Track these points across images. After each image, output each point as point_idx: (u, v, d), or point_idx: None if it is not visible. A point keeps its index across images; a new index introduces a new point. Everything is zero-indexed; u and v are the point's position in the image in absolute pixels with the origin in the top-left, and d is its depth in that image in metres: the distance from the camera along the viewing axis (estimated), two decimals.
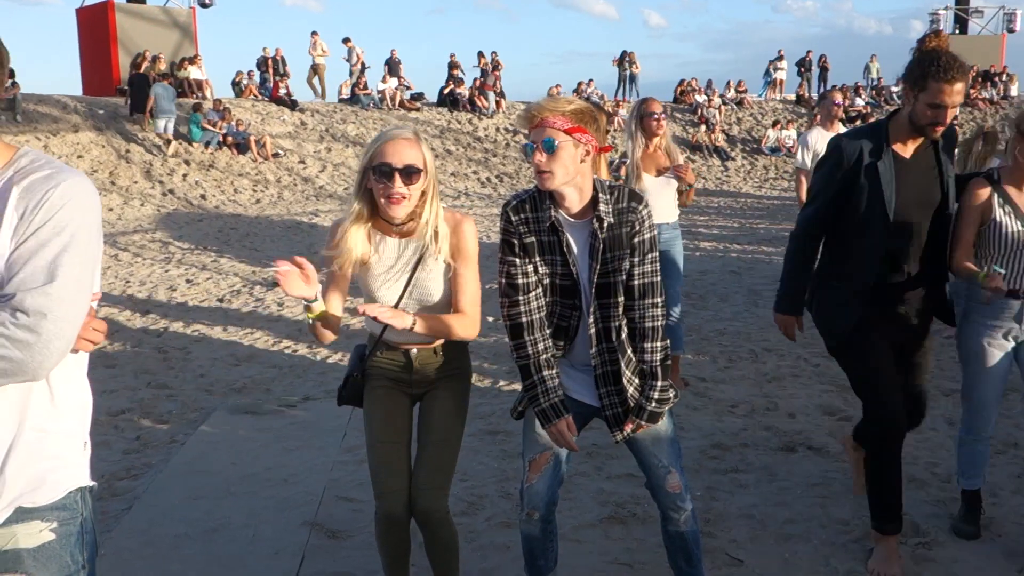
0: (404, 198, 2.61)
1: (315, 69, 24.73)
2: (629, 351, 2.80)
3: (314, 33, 24.87)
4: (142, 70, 19.98)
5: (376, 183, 2.59)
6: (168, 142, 18.94)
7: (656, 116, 5.42)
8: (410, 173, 2.59)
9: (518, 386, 5.78)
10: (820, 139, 7.51)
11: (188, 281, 10.17)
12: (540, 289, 2.77)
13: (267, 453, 4.79)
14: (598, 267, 2.70)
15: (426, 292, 2.77)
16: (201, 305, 8.85)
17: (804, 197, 7.48)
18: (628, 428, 2.76)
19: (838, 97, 7.74)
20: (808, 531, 3.79)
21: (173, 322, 8.04)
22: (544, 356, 2.77)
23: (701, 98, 27.63)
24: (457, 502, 3.95)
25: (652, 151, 5.49)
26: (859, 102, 28.22)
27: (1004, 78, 30.50)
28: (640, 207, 2.70)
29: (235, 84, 24.06)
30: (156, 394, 5.91)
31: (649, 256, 2.73)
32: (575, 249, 2.72)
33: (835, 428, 5.05)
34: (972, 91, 29.15)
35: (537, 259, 2.74)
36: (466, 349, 2.99)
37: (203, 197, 17.80)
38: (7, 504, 1.67)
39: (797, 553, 3.61)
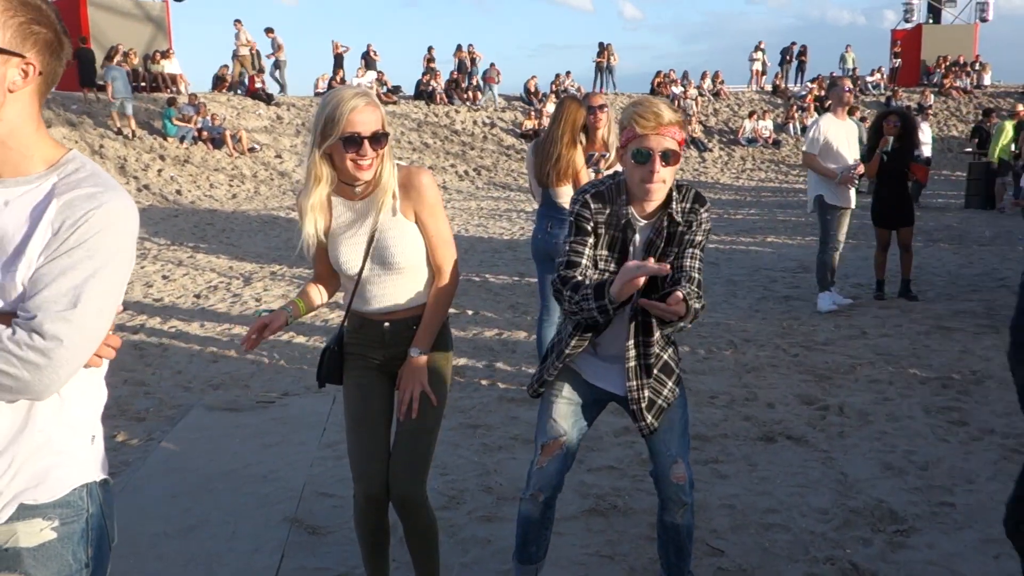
0: (374, 162, 2.61)
1: (239, 61, 24.04)
2: (663, 345, 2.83)
3: (237, 22, 24.17)
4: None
5: (345, 152, 2.56)
6: (127, 129, 19.02)
7: (594, 109, 5.54)
8: (378, 138, 2.58)
9: (498, 381, 5.80)
10: (831, 126, 7.58)
11: (164, 277, 10.08)
12: (595, 273, 2.73)
13: (246, 449, 4.76)
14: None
15: (387, 254, 2.72)
16: (178, 301, 8.77)
17: (820, 167, 7.51)
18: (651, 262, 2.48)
19: (848, 84, 7.87)
20: (788, 520, 3.81)
21: (149, 319, 7.97)
22: None
23: (678, 89, 27.72)
24: (438, 496, 3.94)
25: (599, 145, 5.63)
26: None
27: (977, 67, 30.78)
28: (702, 209, 2.72)
29: (218, 77, 23.84)
30: (133, 391, 5.85)
31: (689, 251, 2.71)
32: (639, 248, 2.72)
33: (814, 418, 5.08)
34: (946, 80, 29.41)
35: (598, 251, 2.73)
36: (446, 323, 2.95)
37: (178, 192, 17.67)
38: (8, 501, 1.63)
39: (777, 542, 3.63)
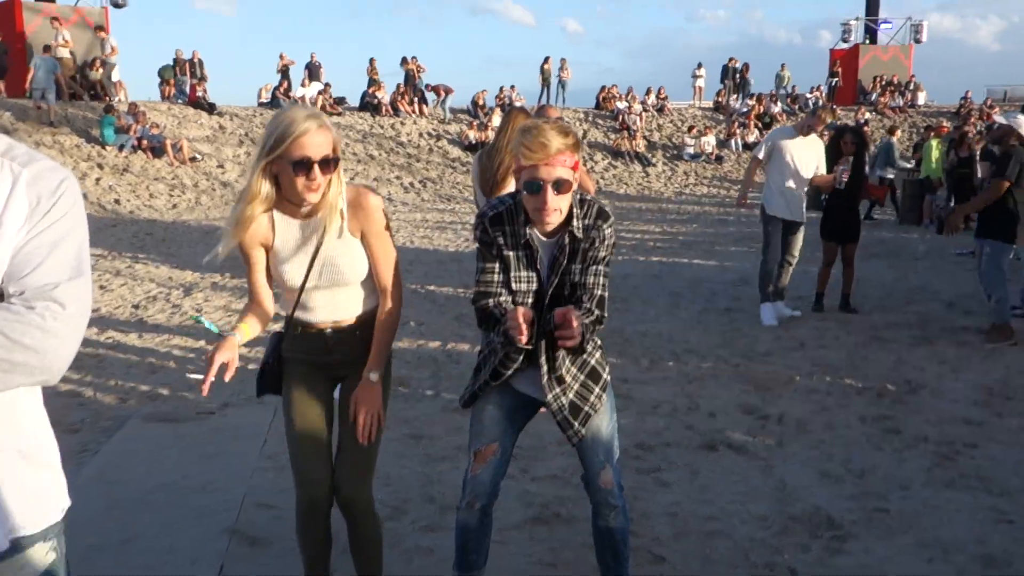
0: (322, 185, 2.59)
1: (61, 62, 21.07)
2: (589, 351, 2.83)
3: (55, 20, 21.64)
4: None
5: (293, 174, 2.54)
6: (47, 114, 19.12)
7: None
8: (328, 163, 2.57)
9: (442, 392, 5.78)
10: (787, 140, 7.79)
11: (102, 288, 9.86)
12: (508, 297, 2.75)
13: (184, 461, 4.67)
14: (555, 280, 2.72)
15: (335, 271, 2.71)
16: (115, 312, 8.59)
17: (747, 175, 8.42)
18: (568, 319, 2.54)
19: (827, 120, 8.15)
20: (729, 527, 3.85)
21: (86, 329, 7.77)
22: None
23: (622, 104, 28.00)
24: (381, 507, 3.89)
25: None
26: (774, 109, 28.95)
27: (911, 87, 31.64)
28: (605, 225, 2.71)
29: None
30: (67, 403, 5.70)
31: (592, 268, 2.72)
32: (545, 264, 2.73)
33: (754, 427, 5.15)
34: (881, 99, 30.18)
35: (511, 274, 2.73)
36: None
37: (117, 202, 17.34)
38: (5, 533, 1.54)
39: (718, 549, 3.66)
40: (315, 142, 2.53)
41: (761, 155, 7.97)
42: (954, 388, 5.91)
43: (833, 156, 8.16)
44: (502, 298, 2.74)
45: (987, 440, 4.91)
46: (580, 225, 2.69)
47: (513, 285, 2.75)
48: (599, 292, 2.73)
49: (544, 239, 2.72)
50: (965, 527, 3.85)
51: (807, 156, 7.76)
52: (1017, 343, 6.92)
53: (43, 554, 1.60)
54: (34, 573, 1.58)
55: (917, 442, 4.88)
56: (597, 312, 2.71)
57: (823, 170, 7.88)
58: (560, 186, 2.57)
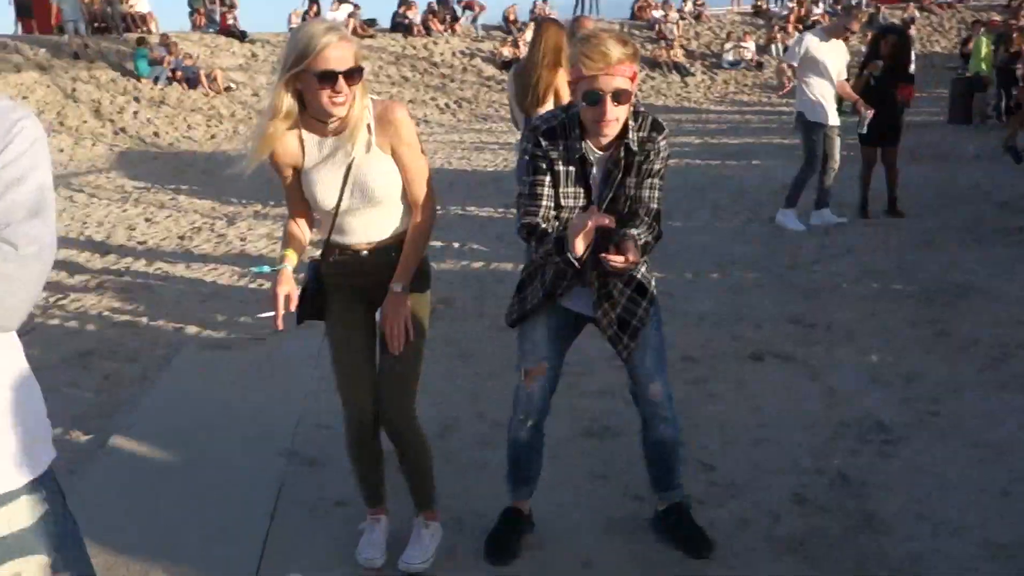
0: (348, 97, 2.57)
1: None
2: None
3: None
4: None
5: (319, 88, 2.52)
6: (80, 48, 19.16)
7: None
8: (353, 74, 2.54)
9: (488, 311, 5.82)
10: (820, 45, 7.62)
11: (147, 220, 9.99)
12: (555, 211, 2.73)
13: (240, 386, 4.78)
14: (610, 194, 2.69)
15: (366, 188, 2.70)
16: (162, 244, 8.71)
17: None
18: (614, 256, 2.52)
19: (861, 20, 7.98)
20: (778, 435, 3.88)
21: (135, 261, 7.92)
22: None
23: (658, 13, 27.29)
24: (432, 425, 3.97)
25: None
26: (816, 10, 28.05)
27: None
28: (659, 137, 2.68)
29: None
30: (122, 332, 5.85)
31: (648, 181, 2.70)
32: (599, 179, 2.70)
33: (801, 335, 5.13)
34: None
35: (559, 189, 2.71)
36: (426, 259, 2.94)
37: (156, 135, 17.41)
38: None
39: (767, 457, 3.69)
40: (337, 54, 2.51)
41: (796, 62, 7.76)
42: (1006, 290, 5.81)
43: (873, 57, 7.92)
44: (552, 212, 2.72)
45: None
46: (635, 138, 2.65)
47: (561, 200, 2.72)
48: (655, 206, 2.72)
49: (599, 153, 2.68)
50: (1017, 429, 3.83)
51: (837, 60, 7.60)
52: None
53: (31, 507, 1.56)
54: (24, 526, 1.55)
55: (968, 345, 4.83)
56: (656, 227, 2.70)
57: (844, 75, 7.69)
58: (620, 96, 2.52)
